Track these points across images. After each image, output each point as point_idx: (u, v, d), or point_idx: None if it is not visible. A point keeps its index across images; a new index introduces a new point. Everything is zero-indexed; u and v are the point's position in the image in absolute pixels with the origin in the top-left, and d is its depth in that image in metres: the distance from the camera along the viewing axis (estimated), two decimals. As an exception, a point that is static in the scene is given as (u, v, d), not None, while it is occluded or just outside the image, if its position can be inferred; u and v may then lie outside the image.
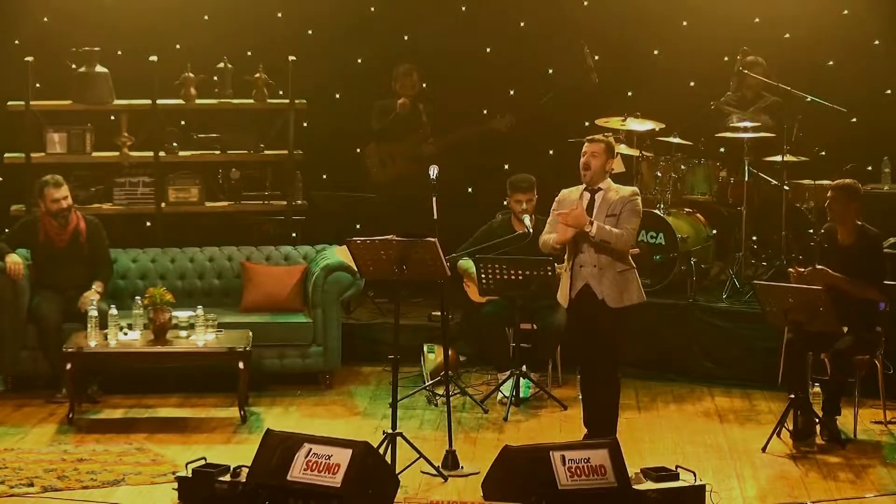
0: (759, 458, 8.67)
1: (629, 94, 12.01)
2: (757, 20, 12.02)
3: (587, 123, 11.61)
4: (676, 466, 7.71)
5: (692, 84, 12.17)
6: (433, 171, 9.03)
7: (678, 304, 10.69)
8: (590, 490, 7.37)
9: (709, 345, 10.57)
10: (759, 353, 10.30)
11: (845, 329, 8.91)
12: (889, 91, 11.94)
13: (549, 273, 9.46)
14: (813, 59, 11.84)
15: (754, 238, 11.49)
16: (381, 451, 7.98)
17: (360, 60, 12.43)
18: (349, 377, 10.57)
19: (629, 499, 7.41)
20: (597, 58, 11.82)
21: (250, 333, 9.71)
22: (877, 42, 11.90)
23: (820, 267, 8.96)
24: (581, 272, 8.41)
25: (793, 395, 8.79)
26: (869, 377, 9.21)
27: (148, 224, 11.74)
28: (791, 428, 8.81)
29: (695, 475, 7.62)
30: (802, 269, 9.06)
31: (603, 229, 8.29)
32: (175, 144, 11.50)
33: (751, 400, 10.04)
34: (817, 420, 8.94)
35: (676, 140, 11.16)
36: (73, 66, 11.45)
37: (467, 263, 10.05)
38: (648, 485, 7.53)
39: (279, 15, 12.32)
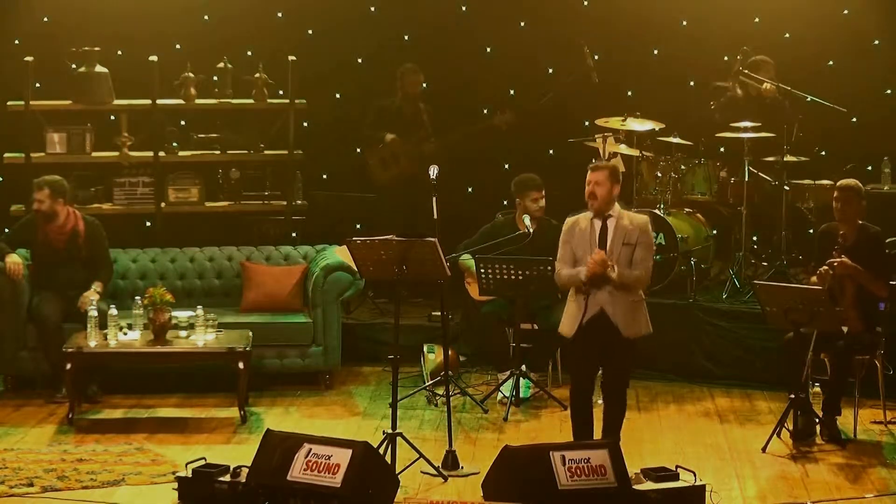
0: (759, 458, 8.67)
1: (629, 94, 12.02)
2: (757, 20, 12.03)
3: (587, 123, 11.63)
4: (676, 466, 7.71)
5: (692, 84, 12.17)
6: (433, 171, 9.04)
7: (678, 304, 10.69)
8: (590, 490, 7.37)
9: (709, 345, 10.57)
10: (759, 353, 10.30)
11: (845, 329, 8.91)
12: (889, 91, 11.95)
13: (549, 272, 9.46)
14: (813, 59, 11.84)
15: (754, 238, 11.49)
16: (381, 451, 7.98)
17: (360, 60, 12.43)
18: (349, 377, 10.56)
19: (629, 499, 7.41)
20: (597, 58, 11.82)
21: (250, 333, 9.70)
22: (877, 42, 11.91)
23: (844, 259, 8.90)
24: (595, 297, 8.12)
25: (793, 395, 8.80)
26: (869, 377, 9.21)
27: (148, 224, 11.75)
28: (791, 428, 8.81)
29: (695, 475, 7.62)
30: (828, 269, 8.97)
31: (623, 275, 8.06)
32: (175, 144, 11.51)
33: (751, 400, 10.04)
34: (817, 420, 8.94)
35: (676, 140, 11.16)
36: (73, 66, 11.45)
37: (470, 261, 10.04)
38: (648, 485, 7.53)
39: (279, 15, 12.32)
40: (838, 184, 9.32)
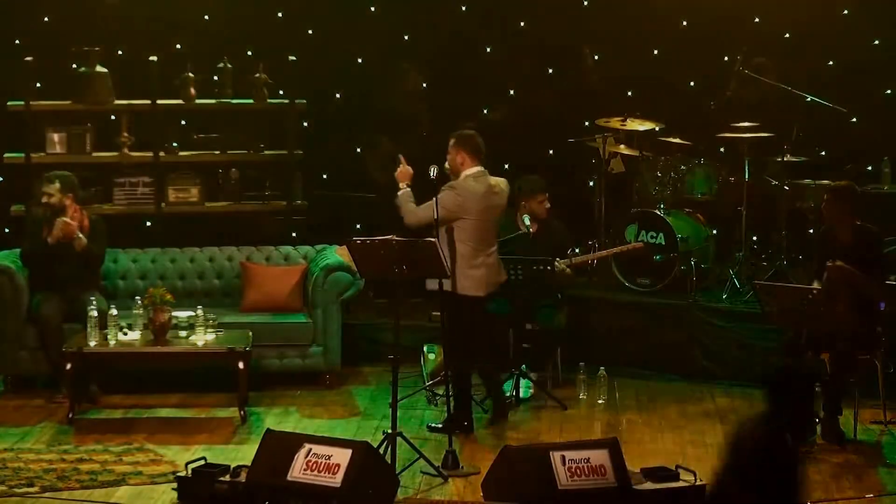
0: (759, 458, 8.66)
1: (629, 94, 12.01)
2: (757, 20, 12.02)
3: (587, 123, 11.62)
4: (676, 466, 7.71)
5: (692, 84, 12.17)
6: (433, 171, 9.03)
7: (678, 304, 10.69)
8: (590, 490, 7.37)
9: (709, 345, 10.57)
10: (759, 353, 10.29)
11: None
12: (889, 91, 11.95)
13: (549, 272, 9.46)
14: (813, 59, 11.84)
15: (754, 238, 11.49)
16: (381, 451, 7.98)
17: (360, 60, 12.42)
18: (349, 377, 10.56)
19: (629, 499, 7.42)
20: (597, 58, 11.81)
21: (250, 333, 9.70)
22: (877, 42, 11.91)
23: (839, 263, 8.90)
24: None
25: (793, 395, 8.78)
26: (869, 377, 9.20)
27: (148, 224, 11.74)
28: (791, 428, 8.80)
29: (695, 475, 7.62)
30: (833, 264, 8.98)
31: (401, 196, 8.90)
32: (175, 144, 11.50)
33: (751, 400, 10.02)
34: (818, 420, 8.93)
35: (676, 140, 11.16)
36: (73, 66, 11.45)
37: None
38: (648, 485, 7.54)
39: (279, 15, 12.31)
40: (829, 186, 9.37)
